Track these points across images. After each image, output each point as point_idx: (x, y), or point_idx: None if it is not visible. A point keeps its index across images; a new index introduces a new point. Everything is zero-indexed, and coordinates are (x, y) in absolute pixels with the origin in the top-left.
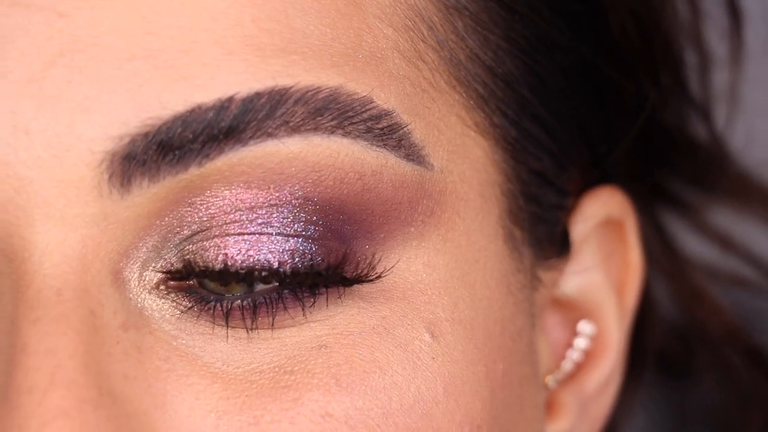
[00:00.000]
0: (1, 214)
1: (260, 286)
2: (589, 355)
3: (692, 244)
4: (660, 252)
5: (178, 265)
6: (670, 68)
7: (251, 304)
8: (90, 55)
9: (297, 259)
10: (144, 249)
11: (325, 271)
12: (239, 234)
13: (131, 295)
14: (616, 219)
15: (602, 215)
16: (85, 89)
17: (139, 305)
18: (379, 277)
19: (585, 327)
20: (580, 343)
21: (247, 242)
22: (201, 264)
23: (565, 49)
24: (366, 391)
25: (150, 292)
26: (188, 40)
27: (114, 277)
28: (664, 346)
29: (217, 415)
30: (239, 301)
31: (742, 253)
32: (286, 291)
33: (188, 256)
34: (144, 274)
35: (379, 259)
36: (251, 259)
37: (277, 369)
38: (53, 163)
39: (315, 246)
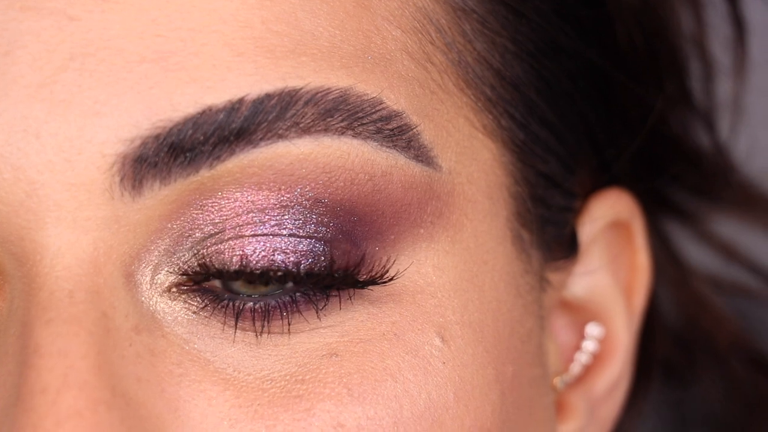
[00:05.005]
0: (12, 217)
1: (271, 288)
2: (597, 358)
3: (695, 254)
4: (664, 261)
5: (193, 268)
6: (675, 77)
7: (264, 307)
8: (100, 58)
9: (311, 260)
10: (156, 252)
11: (338, 272)
12: (253, 235)
13: (143, 298)
14: (623, 221)
15: (610, 217)
16: (96, 92)
17: (151, 308)
18: (392, 279)
19: (593, 329)
20: (588, 345)
21: (262, 243)
22: (217, 266)
23: (572, 54)
24: (378, 400)
25: (162, 295)
26: (198, 42)
27: (126, 279)
28: (667, 352)
29: (229, 423)
30: (251, 303)
31: (746, 263)
32: (298, 294)
33: (203, 259)
34: (156, 277)
35: (393, 262)
36: (266, 260)
37: (288, 377)
38: (64, 167)
39: (328, 247)
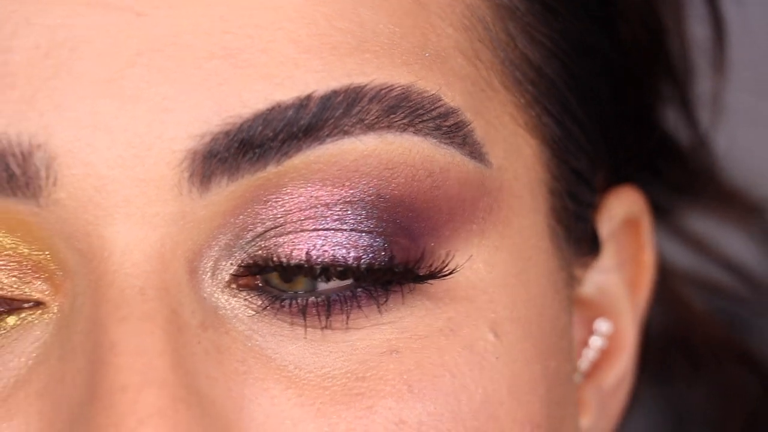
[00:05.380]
0: (80, 213)
1: (332, 284)
2: (605, 353)
3: (672, 251)
4: None
5: (252, 260)
6: (669, 74)
7: (325, 301)
8: (168, 54)
9: (371, 254)
10: (217, 247)
11: (398, 267)
12: (314, 230)
13: (205, 294)
14: (634, 218)
15: (625, 214)
16: (165, 89)
17: (213, 304)
18: (451, 273)
19: (602, 325)
20: (596, 341)
21: (322, 238)
22: (275, 258)
23: (595, 52)
24: (437, 396)
25: (223, 291)
26: (266, 38)
27: (190, 276)
28: (656, 352)
29: (292, 422)
30: (313, 298)
31: (722, 261)
32: (359, 289)
33: (261, 252)
34: (216, 272)
35: (452, 257)
36: (327, 255)
37: (348, 375)
38: (134, 162)
39: (387, 242)
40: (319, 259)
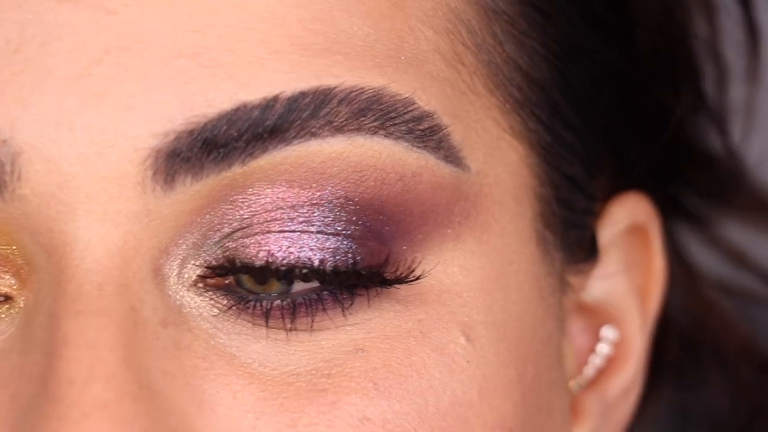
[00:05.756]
0: (43, 209)
1: (299, 286)
2: (611, 361)
3: (704, 258)
4: (673, 264)
5: (219, 262)
6: (692, 82)
7: (291, 305)
8: (135, 52)
9: (338, 257)
10: (184, 246)
11: (365, 270)
12: (280, 231)
13: (170, 292)
14: (641, 225)
15: (629, 221)
16: (130, 86)
17: (178, 302)
18: (418, 279)
19: (608, 332)
20: (603, 348)
21: (288, 239)
22: (241, 260)
23: (595, 57)
24: (403, 395)
25: (189, 290)
26: (234, 38)
27: (154, 273)
28: (674, 355)
29: (254, 415)
30: (279, 301)
31: (754, 269)
32: (325, 292)
33: (228, 253)
34: (183, 271)
35: (419, 262)
36: (292, 257)
37: (314, 372)
38: (97, 160)
39: (355, 245)
40: (284, 261)
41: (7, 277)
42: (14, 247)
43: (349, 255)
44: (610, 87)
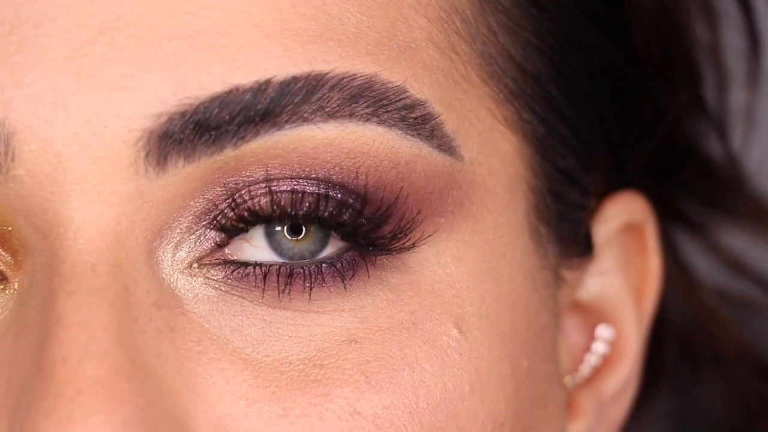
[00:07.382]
0: (37, 190)
1: (332, 247)
2: (607, 360)
3: (703, 265)
4: (672, 270)
5: (231, 221)
6: (690, 82)
7: (288, 270)
8: (129, 33)
9: (340, 208)
10: (178, 230)
11: (365, 221)
12: (281, 191)
13: (164, 275)
14: (637, 224)
15: (624, 219)
16: (124, 67)
17: (172, 285)
18: (414, 245)
19: (604, 331)
20: (599, 347)
21: (290, 190)
22: (251, 210)
23: (591, 51)
24: (394, 390)
25: (182, 272)
26: (228, 21)
27: (148, 255)
28: (672, 358)
29: (246, 402)
30: (276, 267)
31: (754, 276)
32: (324, 265)
33: (236, 209)
34: (177, 254)
35: (419, 223)
36: (295, 193)
37: (306, 361)
38: (91, 140)
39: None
40: (288, 200)
41: (6, 254)
42: (9, 228)
43: (350, 208)
44: (606, 81)
